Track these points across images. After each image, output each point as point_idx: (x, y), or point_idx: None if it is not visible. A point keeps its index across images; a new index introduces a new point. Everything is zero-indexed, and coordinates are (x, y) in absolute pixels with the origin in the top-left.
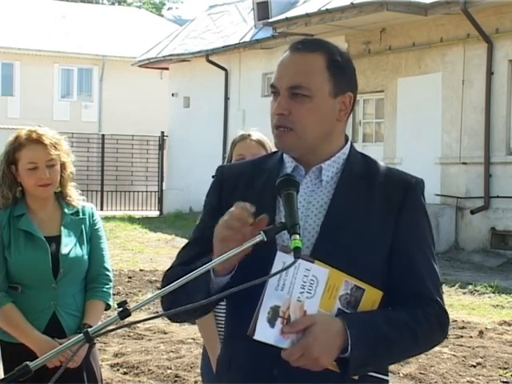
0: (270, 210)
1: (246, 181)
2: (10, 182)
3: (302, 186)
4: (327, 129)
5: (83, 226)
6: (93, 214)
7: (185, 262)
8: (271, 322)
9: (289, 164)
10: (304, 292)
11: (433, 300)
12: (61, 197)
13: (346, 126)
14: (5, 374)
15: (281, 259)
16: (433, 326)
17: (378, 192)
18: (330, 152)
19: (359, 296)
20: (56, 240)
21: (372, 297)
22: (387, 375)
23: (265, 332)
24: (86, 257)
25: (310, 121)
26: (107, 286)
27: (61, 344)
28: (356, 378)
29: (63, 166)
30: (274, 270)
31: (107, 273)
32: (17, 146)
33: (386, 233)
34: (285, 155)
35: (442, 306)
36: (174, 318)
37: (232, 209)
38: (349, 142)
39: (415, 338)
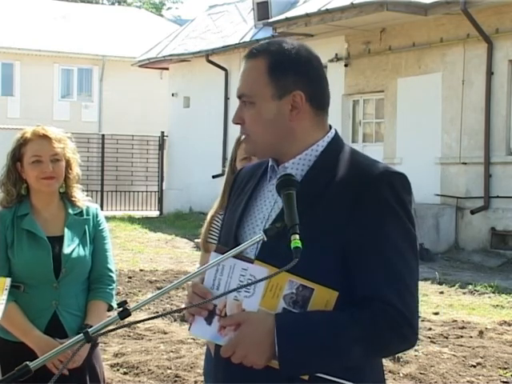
0: (238, 214)
1: (244, 182)
2: (14, 179)
3: (272, 186)
4: (280, 130)
5: (87, 227)
6: (97, 215)
7: None
8: (208, 320)
9: (270, 164)
10: (241, 291)
11: (386, 303)
12: (66, 197)
13: (318, 123)
14: (3, 372)
15: (214, 259)
16: (382, 330)
17: (336, 190)
18: (298, 151)
19: (307, 295)
20: (59, 240)
21: (323, 297)
22: (355, 381)
23: (201, 328)
24: (88, 257)
25: (257, 126)
26: (110, 287)
27: (61, 344)
28: (306, 378)
29: (69, 165)
30: (207, 271)
31: (110, 274)
32: (22, 141)
33: (339, 232)
34: None
35: (400, 310)
36: None
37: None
38: (326, 139)
39: (358, 340)
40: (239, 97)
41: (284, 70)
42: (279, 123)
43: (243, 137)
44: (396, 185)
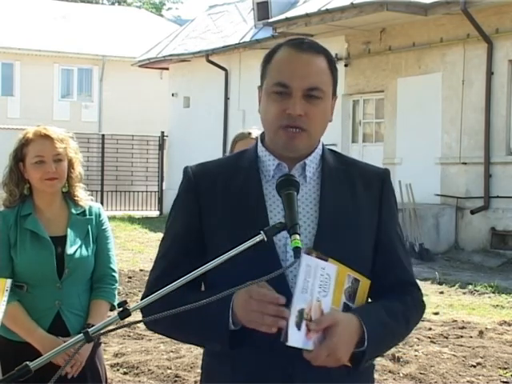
0: (260, 211)
1: (223, 182)
2: (17, 179)
3: None
4: (325, 128)
5: (89, 227)
6: (100, 214)
7: (164, 271)
8: (298, 326)
9: (270, 162)
10: (321, 291)
11: (414, 285)
12: (68, 197)
13: None
14: (4, 372)
15: (305, 262)
16: (419, 310)
17: (359, 186)
18: (312, 149)
19: (356, 287)
20: (62, 240)
21: (365, 287)
22: (363, 381)
23: (296, 337)
24: (91, 257)
25: (320, 122)
26: (113, 287)
27: (65, 342)
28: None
29: (71, 164)
30: (300, 274)
31: (113, 273)
32: (24, 142)
33: (372, 223)
34: (261, 152)
35: (420, 290)
36: (156, 329)
37: (267, 295)
38: (321, 139)
39: (408, 324)
40: (310, 89)
41: (336, 72)
42: (327, 121)
43: (254, 134)
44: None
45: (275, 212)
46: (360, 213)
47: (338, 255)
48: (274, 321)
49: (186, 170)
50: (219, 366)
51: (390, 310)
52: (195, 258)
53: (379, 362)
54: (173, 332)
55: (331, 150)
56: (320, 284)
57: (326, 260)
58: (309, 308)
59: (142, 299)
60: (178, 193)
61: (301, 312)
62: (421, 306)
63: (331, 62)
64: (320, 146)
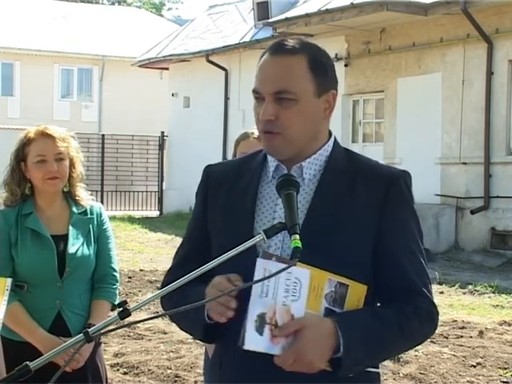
0: (249, 212)
1: (230, 181)
2: (18, 179)
3: None
4: (314, 129)
5: (91, 226)
6: (101, 214)
7: (178, 263)
8: (259, 330)
9: (271, 163)
10: (289, 295)
11: (420, 294)
12: (69, 196)
13: (329, 122)
14: (7, 371)
15: (262, 266)
16: (423, 321)
17: (360, 188)
18: (314, 150)
19: (344, 292)
20: (63, 239)
21: (357, 292)
22: (378, 367)
23: (255, 341)
24: (92, 256)
25: (298, 124)
26: (114, 287)
27: (66, 342)
28: (351, 375)
29: (72, 164)
30: (256, 277)
31: (114, 273)
32: (26, 141)
33: (369, 228)
34: (268, 153)
35: (431, 299)
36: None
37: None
38: (332, 138)
39: (404, 333)
40: (277, 92)
41: (323, 68)
42: (315, 121)
43: (256, 133)
44: (409, 183)
45: (266, 214)
46: (354, 219)
47: (319, 259)
48: (222, 310)
49: (204, 168)
50: (211, 366)
51: (379, 316)
52: (204, 255)
53: None
54: (176, 321)
55: (347, 150)
56: (286, 288)
57: (294, 264)
58: (272, 312)
59: (162, 284)
60: (196, 190)
61: (261, 316)
62: (428, 318)
63: (313, 60)
64: (327, 148)
